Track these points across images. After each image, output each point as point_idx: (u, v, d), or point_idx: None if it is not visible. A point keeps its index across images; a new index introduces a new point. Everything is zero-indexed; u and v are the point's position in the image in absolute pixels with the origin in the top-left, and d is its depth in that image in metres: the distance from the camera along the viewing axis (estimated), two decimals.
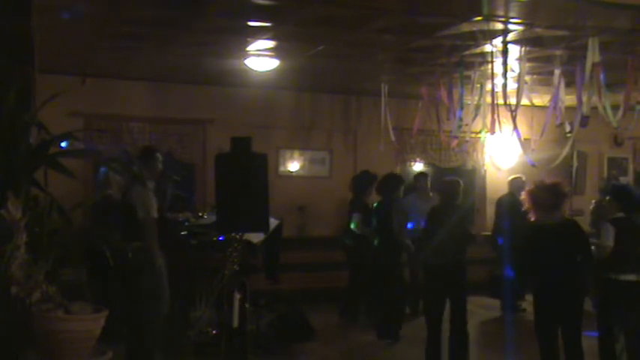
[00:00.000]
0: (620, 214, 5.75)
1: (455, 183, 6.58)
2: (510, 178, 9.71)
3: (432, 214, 6.63)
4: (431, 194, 9.03)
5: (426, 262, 6.60)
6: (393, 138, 9.32)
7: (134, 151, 6.34)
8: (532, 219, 5.50)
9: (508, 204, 9.42)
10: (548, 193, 5.41)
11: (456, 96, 7.96)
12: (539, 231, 5.47)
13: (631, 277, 5.45)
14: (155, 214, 5.58)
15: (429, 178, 9.33)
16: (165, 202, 6.97)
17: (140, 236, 5.39)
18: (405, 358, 7.24)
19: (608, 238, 5.73)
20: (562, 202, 5.46)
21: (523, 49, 6.93)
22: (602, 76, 6.31)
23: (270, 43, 7.02)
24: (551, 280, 5.37)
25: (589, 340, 5.62)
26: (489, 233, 10.16)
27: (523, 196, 5.64)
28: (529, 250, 5.57)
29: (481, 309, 9.50)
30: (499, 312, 9.32)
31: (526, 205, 5.52)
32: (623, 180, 11.07)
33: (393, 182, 8.06)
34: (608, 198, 6.13)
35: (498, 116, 7.38)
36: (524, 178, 9.50)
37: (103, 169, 6.70)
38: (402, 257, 7.94)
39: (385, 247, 7.80)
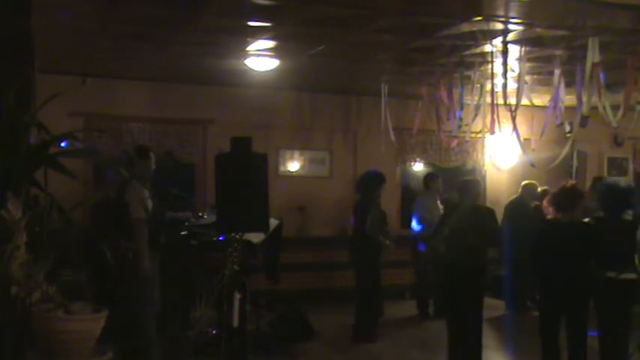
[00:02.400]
0: (602, 214, 5.77)
1: (475, 182, 6.63)
2: (524, 183, 9.70)
3: (449, 213, 6.62)
4: (441, 196, 9.02)
5: (444, 261, 6.56)
6: (393, 138, 9.31)
7: (130, 150, 6.30)
8: (548, 217, 5.62)
9: (517, 208, 9.41)
10: (566, 194, 5.53)
11: (456, 96, 7.95)
12: (552, 229, 5.56)
13: (611, 275, 5.44)
14: (144, 216, 5.57)
15: (440, 179, 9.30)
16: (166, 201, 6.95)
17: (131, 237, 5.40)
18: (407, 358, 7.24)
19: None
20: (577, 203, 5.55)
21: (523, 49, 6.92)
22: (602, 76, 6.31)
23: (270, 43, 7.01)
24: (560, 278, 5.41)
25: (590, 340, 5.62)
26: None
27: (545, 202, 5.76)
28: (542, 247, 5.62)
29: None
30: (503, 311, 9.34)
31: (547, 209, 5.65)
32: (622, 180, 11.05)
33: (373, 180, 8.02)
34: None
35: (498, 116, 7.38)
36: (536, 184, 9.52)
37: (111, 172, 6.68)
38: (378, 256, 7.86)
39: (362, 245, 7.78)
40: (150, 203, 5.78)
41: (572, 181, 5.85)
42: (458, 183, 6.78)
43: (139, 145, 6.83)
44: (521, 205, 9.35)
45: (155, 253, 5.83)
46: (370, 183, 7.94)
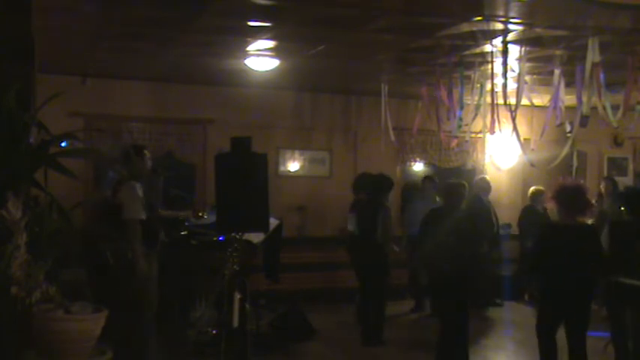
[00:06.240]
0: (625, 218, 5.76)
1: (458, 186, 6.49)
2: (476, 179, 9.72)
3: (431, 216, 6.51)
4: (438, 199, 8.98)
5: (430, 266, 6.46)
6: (393, 138, 9.31)
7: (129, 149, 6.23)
8: (559, 218, 5.64)
9: (473, 207, 9.41)
10: (576, 196, 5.50)
11: (456, 96, 7.95)
12: (559, 231, 5.54)
13: None
14: (142, 216, 5.55)
15: (436, 182, 9.26)
16: (158, 200, 6.91)
17: (125, 237, 5.39)
18: (407, 358, 7.24)
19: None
20: (588, 207, 5.54)
21: (523, 49, 6.92)
22: (602, 76, 6.31)
23: (270, 43, 7.01)
24: (564, 280, 5.38)
25: (590, 340, 5.62)
26: None
27: (549, 194, 5.75)
28: (545, 249, 5.60)
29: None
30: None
31: (551, 204, 5.62)
32: (622, 180, 11.06)
33: (383, 184, 7.97)
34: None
35: (498, 116, 7.38)
36: (488, 178, 9.60)
37: (111, 172, 6.68)
38: (386, 258, 7.74)
39: (369, 247, 7.74)
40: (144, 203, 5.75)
41: (580, 182, 5.76)
42: (441, 186, 6.69)
43: (133, 145, 6.74)
44: (477, 205, 9.36)
45: (153, 253, 5.80)
46: (380, 186, 7.87)
